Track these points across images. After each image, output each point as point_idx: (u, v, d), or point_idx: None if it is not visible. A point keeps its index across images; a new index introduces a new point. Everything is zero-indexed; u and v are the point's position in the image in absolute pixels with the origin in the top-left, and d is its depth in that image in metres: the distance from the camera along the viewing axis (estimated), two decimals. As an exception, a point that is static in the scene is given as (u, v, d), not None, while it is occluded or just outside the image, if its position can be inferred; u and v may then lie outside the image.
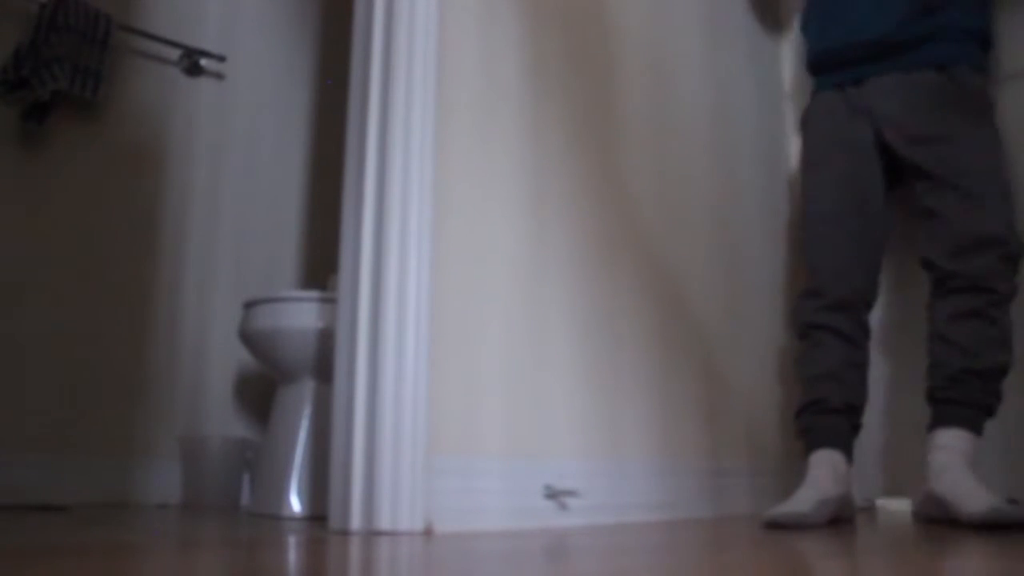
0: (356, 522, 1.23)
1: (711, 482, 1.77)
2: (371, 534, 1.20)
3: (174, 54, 2.56)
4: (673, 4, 1.97)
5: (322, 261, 2.68)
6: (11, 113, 2.23)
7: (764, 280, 2.00)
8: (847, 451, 1.68)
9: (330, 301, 1.85)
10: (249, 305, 1.98)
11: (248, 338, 1.96)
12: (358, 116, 1.41)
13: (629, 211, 1.73)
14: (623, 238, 1.71)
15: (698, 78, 1.98)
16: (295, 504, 1.82)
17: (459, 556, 0.91)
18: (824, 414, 1.69)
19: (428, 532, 1.24)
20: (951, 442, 1.54)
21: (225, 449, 2.28)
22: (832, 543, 1.09)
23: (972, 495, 1.43)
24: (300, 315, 1.88)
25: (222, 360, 2.51)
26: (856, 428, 1.73)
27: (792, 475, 2.00)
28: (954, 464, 1.51)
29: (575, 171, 1.63)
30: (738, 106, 2.07)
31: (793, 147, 2.20)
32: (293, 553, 0.96)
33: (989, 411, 1.60)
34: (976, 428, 1.57)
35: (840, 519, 1.62)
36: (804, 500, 1.52)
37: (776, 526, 1.46)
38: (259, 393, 2.54)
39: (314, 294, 1.90)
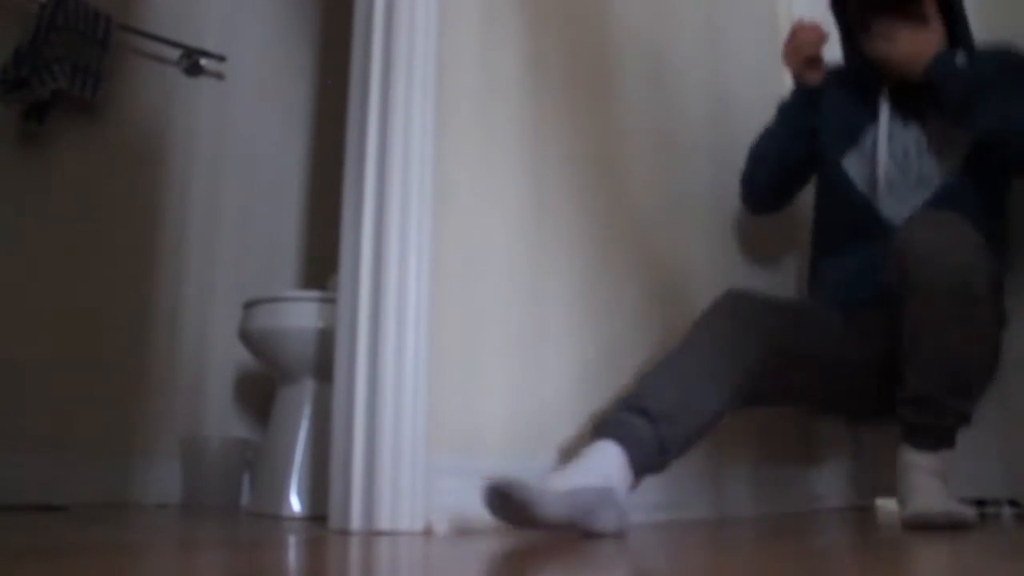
0: (356, 522, 1.23)
1: (712, 483, 1.77)
2: (371, 534, 1.20)
3: (174, 54, 2.56)
4: (674, 2, 1.97)
5: (322, 261, 2.68)
6: (11, 113, 2.23)
7: (766, 281, 2.00)
8: (636, 460, 1.25)
9: (330, 301, 1.85)
10: (249, 305, 1.98)
11: (248, 338, 1.96)
12: (358, 115, 1.41)
13: (629, 210, 1.73)
14: (623, 238, 1.71)
15: (698, 75, 1.98)
16: (295, 504, 1.82)
17: (459, 556, 0.91)
18: (635, 414, 1.29)
19: (428, 532, 1.24)
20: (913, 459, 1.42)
21: (225, 449, 2.28)
22: (835, 543, 1.09)
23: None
24: (300, 315, 1.88)
25: (222, 360, 2.51)
26: (663, 458, 1.29)
27: (792, 476, 2.00)
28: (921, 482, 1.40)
29: (575, 170, 1.63)
30: (739, 104, 2.07)
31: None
32: (293, 553, 0.96)
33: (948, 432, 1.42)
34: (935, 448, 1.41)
35: (576, 520, 1.16)
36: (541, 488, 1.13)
37: (496, 493, 1.12)
38: (259, 393, 2.54)
39: (314, 294, 1.90)
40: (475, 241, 1.44)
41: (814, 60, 1.67)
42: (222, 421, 2.48)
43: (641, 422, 1.27)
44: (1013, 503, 1.69)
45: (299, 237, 2.77)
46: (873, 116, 1.65)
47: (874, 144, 1.63)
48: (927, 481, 1.37)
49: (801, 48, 1.67)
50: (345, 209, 1.41)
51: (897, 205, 1.60)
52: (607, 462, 1.23)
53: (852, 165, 1.67)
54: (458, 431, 1.35)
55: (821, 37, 1.65)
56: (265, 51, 2.79)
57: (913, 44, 1.53)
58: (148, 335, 2.40)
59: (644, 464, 1.27)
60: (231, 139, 2.66)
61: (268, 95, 2.78)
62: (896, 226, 1.54)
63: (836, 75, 1.74)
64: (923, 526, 1.32)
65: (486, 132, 1.49)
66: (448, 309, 1.37)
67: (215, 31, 2.67)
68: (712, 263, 1.90)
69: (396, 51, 1.38)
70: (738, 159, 2.03)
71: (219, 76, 2.67)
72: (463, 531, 1.27)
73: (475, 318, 1.41)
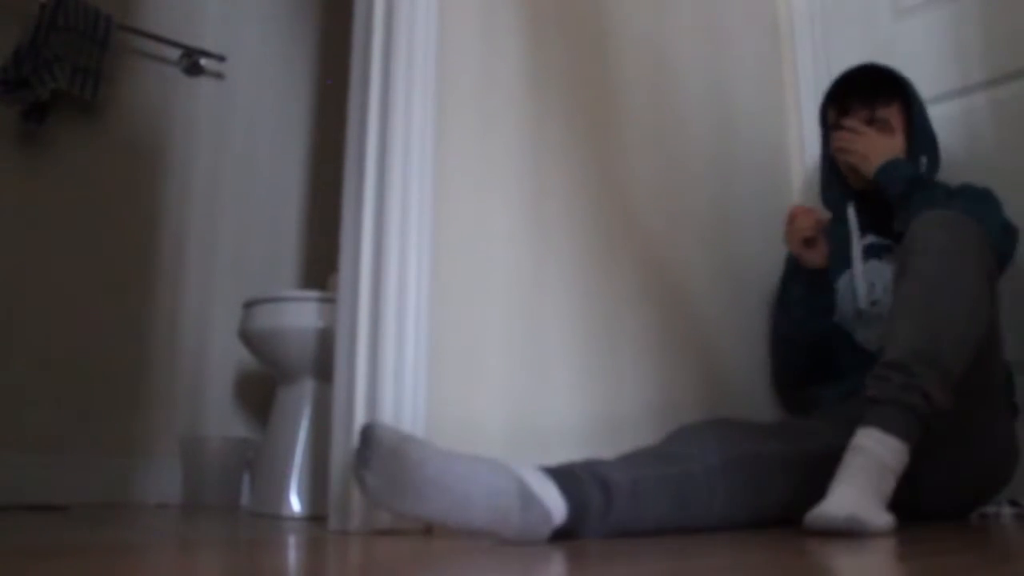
0: (356, 522, 1.23)
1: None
2: (371, 534, 1.20)
3: (174, 54, 2.56)
4: (674, 3, 1.97)
5: (322, 261, 2.68)
6: (11, 113, 2.23)
7: (765, 279, 2.00)
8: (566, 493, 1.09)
9: (330, 301, 1.85)
10: (249, 305, 1.98)
11: (248, 338, 1.96)
12: (358, 116, 1.41)
13: (629, 210, 1.73)
14: (623, 237, 1.71)
15: (699, 75, 1.98)
16: (295, 504, 1.82)
17: (459, 556, 0.91)
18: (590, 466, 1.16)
19: (428, 532, 1.24)
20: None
21: (225, 449, 2.28)
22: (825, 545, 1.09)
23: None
24: (300, 315, 1.88)
25: (222, 360, 2.51)
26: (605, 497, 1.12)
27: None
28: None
29: (575, 171, 1.63)
30: (739, 103, 2.07)
31: (794, 143, 2.20)
32: (293, 553, 0.96)
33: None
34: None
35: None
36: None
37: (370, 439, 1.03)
38: (259, 393, 2.54)
39: (314, 294, 1.90)
40: (475, 241, 1.44)
41: (812, 241, 1.70)
42: (222, 421, 2.48)
43: (584, 473, 1.14)
44: (1013, 503, 1.69)
45: (299, 237, 2.77)
46: (846, 258, 1.72)
47: (847, 286, 1.71)
48: (858, 476, 1.17)
49: (798, 232, 1.70)
50: (345, 209, 1.41)
51: (870, 333, 1.66)
52: (532, 474, 1.07)
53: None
54: (458, 430, 1.35)
55: (817, 221, 1.69)
56: (265, 51, 2.79)
57: (873, 144, 1.63)
58: (148, 335, 2.40)
59: (582, 500, 1.09)
60: (231, 139, 2.66)
61: (268, 95, 2.78)
62: (871, 352, 1.60)
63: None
64: (821, 531, 1.13)
65: (486, 132, 1.49)
66: (448, 309, 1.37)
67: (215, 31, 2.67)
68: (713, 260, 1.90)
69: (396, 51, 1.38)
70: (738, 156, 2.03)
71: (219, 76, 2.67)
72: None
73: (475, 318, 1.41)
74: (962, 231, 1.30)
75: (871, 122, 1.68)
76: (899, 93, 1.71)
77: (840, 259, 1.73)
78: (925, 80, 1.97)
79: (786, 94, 2.24)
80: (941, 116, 1.93)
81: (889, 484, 1.18)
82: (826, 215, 1.77)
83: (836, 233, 1.75)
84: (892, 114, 1.69)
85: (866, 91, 1.71)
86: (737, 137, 2.04)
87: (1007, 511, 1.69)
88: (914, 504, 1.38)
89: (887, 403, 1.21)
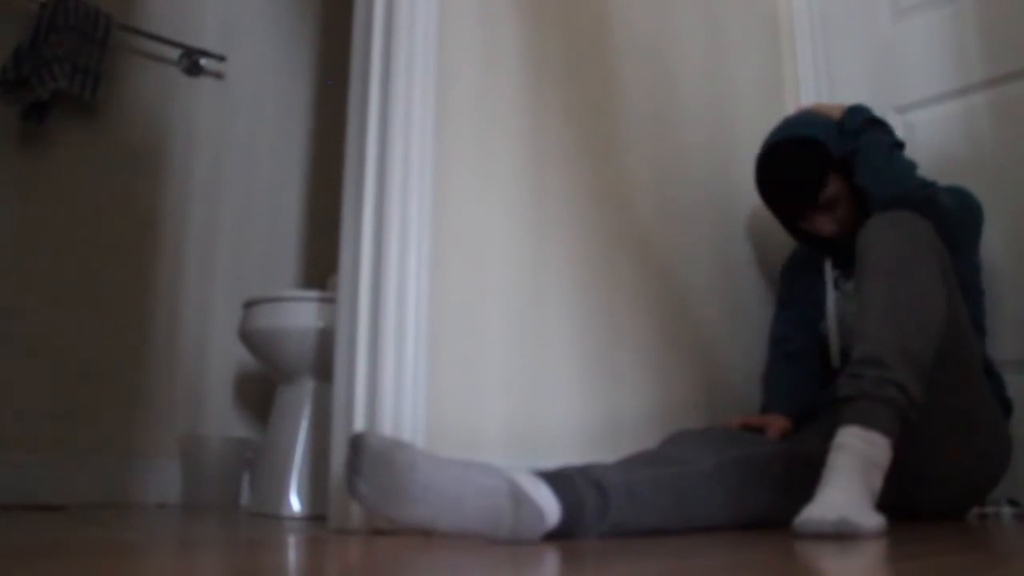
0: (356, 522, 1.23)
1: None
2: (371, 534, 1.20)
3: (174, 54, 2.56)
4: (675, 3, 1.97)
5: (322, 261, 2.68)
6: (11, 113, 2.23)
7: (764, 278, 2.00)
8: (565, 496, 1.09)
9: (330, 301, 1.85)
10: (249, 305, 1.98)
11: (248, 338, 1.96)
12: (358, 116, 1.41)
13: (629, 210, 1.73)
14: (623, 237, 1.71)
15: (699, 76, 1.98)
16: (295, 504, 1.82)
17: (459, 556, 0.91)
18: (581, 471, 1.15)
19: (428, 532, 1.24)
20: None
21: (225, 449, 2.29)
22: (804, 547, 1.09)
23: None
24: (300, 315, 1.88)
25: (222, 360, 2.51)
26: (601, 496, 1.12)
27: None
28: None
29: (575, 171, 1.64)
30: (739, 104, 2.07)
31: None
32: (293, 553, 0.96)
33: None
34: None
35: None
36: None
37: (360, 447, 1.03)
38: (259, 393, 2.54)
39: (314, 294, 1.90)
40: (475, 241, 1.44)
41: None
42: (222, 421, 2.48)
43: (577, 474, 1.14)
44: (1013, 503, 1.69)
45: (299, 237, 2.77)
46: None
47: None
48: (845, 476, 1.16)
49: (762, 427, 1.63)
50: (345, 209, 1.41)
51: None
52: (526, 476, 1.07)
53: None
54: (458, 431, 1.35)
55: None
56: (265, 51, 2.79)
57: (843, 219, 1.66)
58: (148, 335, 2.40)
59: (577, 501, 1.09)
60: (231, 139, 2.66)
61: (268, 95, 2.78)
62: None
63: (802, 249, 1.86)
64: (812, 535, 1.11)
65: (486, 132, 1.49)
66: (448, 309, 1.37)
67: (215, 31, 2.67)
68: (712, 260, 1.90)
69: (396, 51, 1.38)
70: (738, 156, 2.03)
71: (219, 76, 2.67)
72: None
73: (475, 318, 1.41)
74: (911, 227, 1.33)
75: (820, 207, 1.65)
76: (820, 163, 1.62)
77: (818, 306, 1.75)
78: (925, 80, 1.97)
79: (786, 94, 2.24)
80: (941, 116, 1.93)
81: (876, 480, 1.17)
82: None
83: (811, 281, 1.78)
84: (830, 186, 1.63)
85: (796, 196, 1.64)
86: (737, 138, 2.04)
87: (1006, 511, 1.69)
88: (907, 503, 1.39)
89: (864, 399, 1.20)
